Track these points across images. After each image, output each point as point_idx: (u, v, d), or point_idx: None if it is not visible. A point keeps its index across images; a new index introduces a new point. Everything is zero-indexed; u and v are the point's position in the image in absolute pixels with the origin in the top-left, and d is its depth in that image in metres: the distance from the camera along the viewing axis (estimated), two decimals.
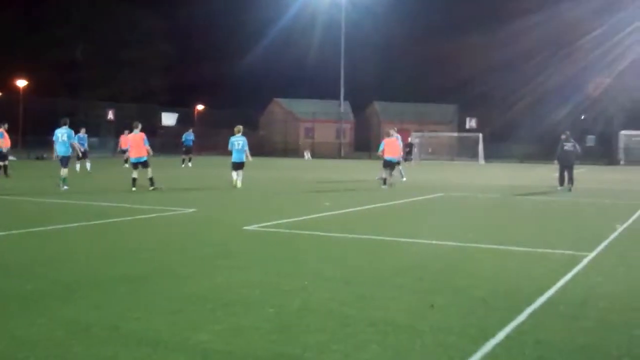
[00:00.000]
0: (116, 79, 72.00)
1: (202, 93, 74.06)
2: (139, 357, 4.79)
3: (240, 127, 21.41)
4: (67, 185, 18.30)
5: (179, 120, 61.81)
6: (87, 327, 5.50)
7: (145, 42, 73.42)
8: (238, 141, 20.38)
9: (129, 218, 12.93)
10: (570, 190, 21.31)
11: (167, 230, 11.57)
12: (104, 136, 56.67)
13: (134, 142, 19.18)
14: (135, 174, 18.53)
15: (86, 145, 28.43)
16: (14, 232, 10.76)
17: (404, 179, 23.57)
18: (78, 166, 26.14)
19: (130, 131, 20.89)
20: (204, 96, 73.11)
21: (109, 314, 5.89)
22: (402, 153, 23.68)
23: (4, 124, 24.01)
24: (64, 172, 18.74)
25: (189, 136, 37.77)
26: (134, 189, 18.22)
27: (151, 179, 18.52)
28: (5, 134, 23.92)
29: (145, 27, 73.16)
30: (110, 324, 5.57)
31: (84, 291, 6.77)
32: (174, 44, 77.84)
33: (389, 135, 21.63)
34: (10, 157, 41.39)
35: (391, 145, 21.17)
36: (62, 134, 19.16)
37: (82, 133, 28.30)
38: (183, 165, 35.72)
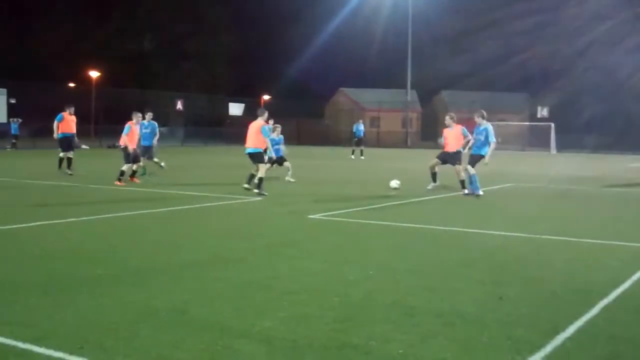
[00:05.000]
0: (183, 69, 73.33)
1: (268, 83, 74.70)
2: (205, 341, 4.82)
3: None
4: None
5: (245, 111, 62.47)
6: (155, 311, 5.58)
7: (211, 33, 74.49)
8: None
9: (196, 205, 13.11)
10: None
11: (233, 218, 11.68)
12: (173, 126, 57.77)
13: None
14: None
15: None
16: (84, 218, 11.04)
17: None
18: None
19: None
20: (270, 86, 73.73)
21: (176, 299, 5.97)
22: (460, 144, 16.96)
23: (136, 115, 18.26)
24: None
25: (359, 127, 35.86)
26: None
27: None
28: (133, 128, 17.93)
29: (210, 19, 74.19)
30: (177, 309, 5.64)
31: (151, 276, 6.88)
32: (239, 35, 78.67)
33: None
34: (84, 146, 42.56)
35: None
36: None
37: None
38: (352, 157, 34.16)
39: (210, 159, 30.74)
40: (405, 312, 5.68)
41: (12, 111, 44.32)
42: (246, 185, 15.58)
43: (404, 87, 64.58)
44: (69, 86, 59.63)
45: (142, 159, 18.66)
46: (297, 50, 78.75)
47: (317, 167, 27.75)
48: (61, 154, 20.32)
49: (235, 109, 62.12)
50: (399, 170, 25.78)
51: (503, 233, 10.15)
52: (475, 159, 15.65)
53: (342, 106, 74.09)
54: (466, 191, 15.66)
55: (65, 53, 68.65)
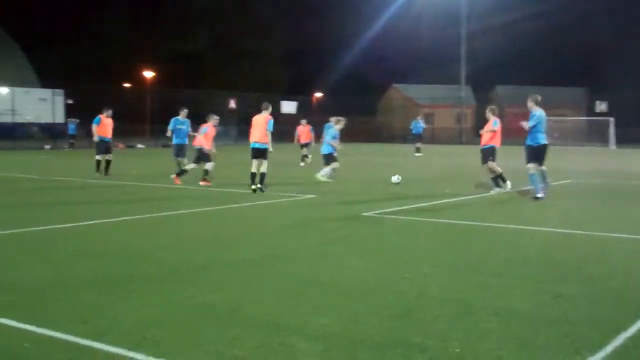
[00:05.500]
0: (235, 68, 74.09)
1: (320, 81, 74.76)
2: (260, 338, 4.85)
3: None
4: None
5: (298, 108, 62.74)
6: (210, 308, 5.63)
7: (263, 32, 75.03)
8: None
9: (249, 203, 13.21)
10: None
11: (287, 216, 11.73)
12: (227, 125, 58.36)
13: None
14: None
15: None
16: (137, 217, 11.23)
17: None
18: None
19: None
20: (322, 84, 73.80)
21: (231, 296, 6.01)
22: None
23: (213, 117, 17.50)
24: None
25: (418, 123, 35.22)
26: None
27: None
28: (211, 129, 17.30)
29: (261, 17, 74.78)
30: (232, 306, 5.68)
31: (204, 274, 6.94)
32: (290, 33, 79.09)
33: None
34: (139, 145, 43.28)
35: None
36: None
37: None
38: (421, 154, 33.43)
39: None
40: (461, 309, 5.61)
41: (69, 112, 45.53)
42: (254, 187, 14.98)
43: (457, 82, 63.84)
44: (124, 86, 60.82)
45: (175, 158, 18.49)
46: (348, 47, 78.67)
47: (370, 164, 27.68)
48: (98, 157, 20.09)
49: (288, 107, 62.36)
50: (453, 166, 25.56)
51: (561, 230, 9.94)
52: (533, 152, 13.91)
53: (395, 103, 73.78)
54: (508, 188, 15.32)
55: (119, 54, 70.14)
